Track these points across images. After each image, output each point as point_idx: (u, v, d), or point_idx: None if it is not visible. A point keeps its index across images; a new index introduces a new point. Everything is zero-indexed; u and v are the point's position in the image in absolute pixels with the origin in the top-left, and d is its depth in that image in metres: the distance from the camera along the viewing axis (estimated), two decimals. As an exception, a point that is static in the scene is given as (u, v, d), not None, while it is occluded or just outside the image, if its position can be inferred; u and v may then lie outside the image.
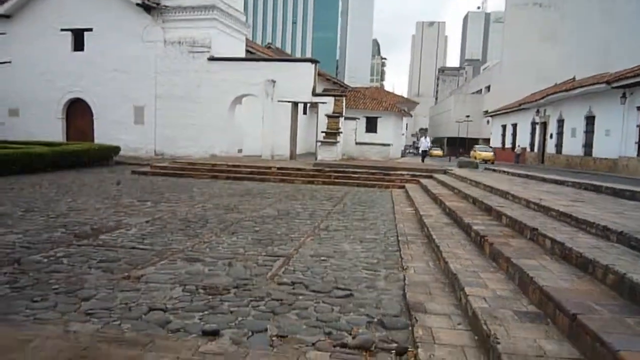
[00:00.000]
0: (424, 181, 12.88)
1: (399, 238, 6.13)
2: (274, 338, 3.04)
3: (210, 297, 3.75)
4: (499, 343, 2.66)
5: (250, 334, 3.10)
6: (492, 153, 36.21)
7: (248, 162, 16.00)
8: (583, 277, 3.47)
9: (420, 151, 32.55)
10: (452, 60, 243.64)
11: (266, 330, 3.16)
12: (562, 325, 2.88)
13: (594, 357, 2.45)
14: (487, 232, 5.02)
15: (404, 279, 4.25)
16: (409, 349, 2.89)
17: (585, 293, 3.11)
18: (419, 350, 2.80)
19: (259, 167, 14.80)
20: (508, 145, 38.65)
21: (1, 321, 3.05)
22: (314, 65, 19.44)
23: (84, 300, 3.59)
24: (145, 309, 3.45)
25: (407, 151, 54.95)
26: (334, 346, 2.95)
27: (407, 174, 14.32)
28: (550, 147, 29.92)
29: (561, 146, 28.43)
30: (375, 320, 3.40)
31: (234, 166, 15.04)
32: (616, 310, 2.80)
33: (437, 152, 52.91)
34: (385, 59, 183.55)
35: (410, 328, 3.22)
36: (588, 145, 25.25)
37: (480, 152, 36.24)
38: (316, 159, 18.40)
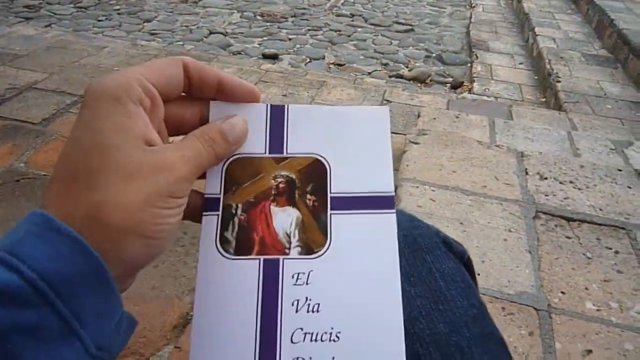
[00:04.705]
0: None
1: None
2: (331, 65, 3.10)
3: (268, 24, 3.73)
4: (559, 81, 2.61)
5: (308, 60, 3.16)
6: None
7: None
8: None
9: None
10: None
11: (324, 57, 3.20)
12: (632, 70, 2.75)
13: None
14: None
15: (470, 17, 4.01)
16: (465, 83, 2.91)
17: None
18: (475, 84, 2.81)
19: None
20: None
21: (74, 35, 3.23)
22: None
23: (146, 21, 3.67)
24: (206, 32, 3.50)
25: None
26: (390, 76, 3.00)
27: None
28: None
29: None
30: (434, 55, 3.35)
31: None
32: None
33: None
34: None
35: (469, 65, 3.17)
36: None
37: None
38: None
